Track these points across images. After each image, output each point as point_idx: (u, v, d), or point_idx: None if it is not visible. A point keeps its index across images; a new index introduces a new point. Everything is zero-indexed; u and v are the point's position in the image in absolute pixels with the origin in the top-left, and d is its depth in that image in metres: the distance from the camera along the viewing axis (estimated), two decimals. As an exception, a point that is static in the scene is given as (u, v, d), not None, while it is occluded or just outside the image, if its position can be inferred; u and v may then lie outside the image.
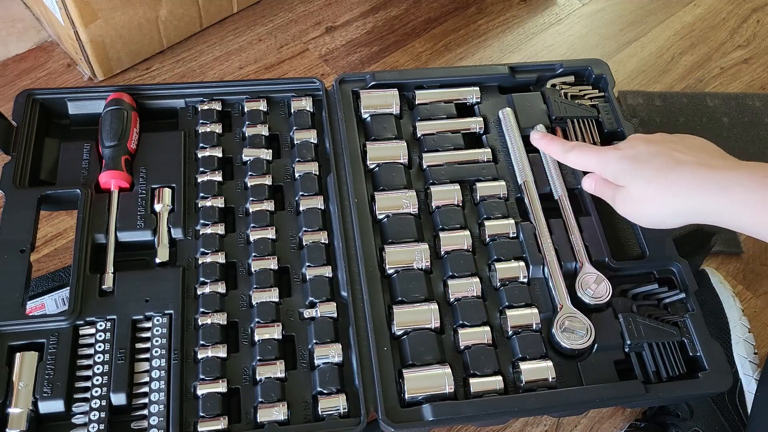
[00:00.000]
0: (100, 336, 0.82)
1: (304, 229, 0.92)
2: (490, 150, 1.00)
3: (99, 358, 0.81)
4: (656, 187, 0.80)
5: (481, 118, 1.03)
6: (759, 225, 0.75)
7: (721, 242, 1.29)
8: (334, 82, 1.02)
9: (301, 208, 0.93)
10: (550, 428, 1.08)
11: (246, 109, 1.00)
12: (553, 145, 0.93)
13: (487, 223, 0.93)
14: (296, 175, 0.96)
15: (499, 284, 0.89)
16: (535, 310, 0.87)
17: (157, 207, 0.91)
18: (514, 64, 1.07)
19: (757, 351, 1.07)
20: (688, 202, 0.79)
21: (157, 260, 0.89)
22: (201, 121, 0.99)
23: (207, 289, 0.87)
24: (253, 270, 0.89)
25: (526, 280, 0.90)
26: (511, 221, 0.94)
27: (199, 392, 0.80)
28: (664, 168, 0.80)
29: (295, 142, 0.99)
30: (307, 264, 0.90)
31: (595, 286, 0.88)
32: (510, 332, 0.86)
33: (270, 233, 0.91)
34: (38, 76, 1.41)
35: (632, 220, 0.85)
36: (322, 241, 0.91)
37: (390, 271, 0.89)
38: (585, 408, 0.89)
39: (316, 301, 0.87)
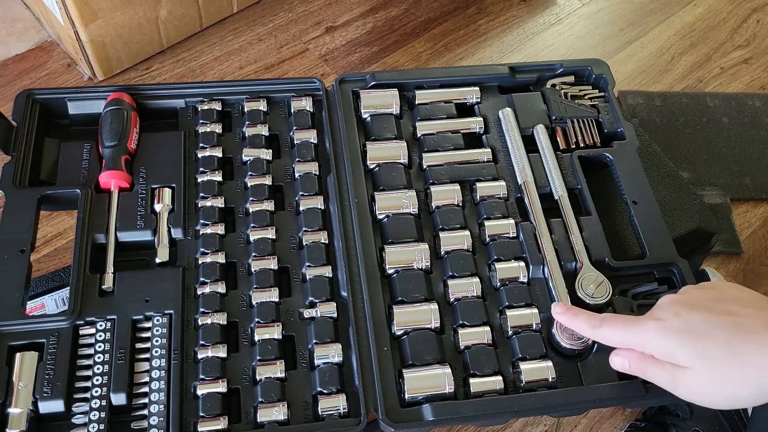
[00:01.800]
0: (100, 336, 0.82)
1: (304, 229, 0.92)
2: (490, 150, 1.00)
3: (99, 358, 0.81)
4: (732, 366, 0.68)
5: (481, 118, 1.03)
6: None
7: (721, 242, 1.29)
8: (334, 82, 1.02)
9: (301, 208, 0.93)
10: (550, 428, 1.08)
11: (246, 109, 1.00)
12: (579, 321, 0.80)
13: (487, 223, 0.93)
14: (296, 175, 0.96)
15: (499, 284, 0.89)
16: (535, 310, 0.87)
17: (157, 207, 0.91)
18: (514, 64, 1.07)
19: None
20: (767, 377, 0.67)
21: (157, 260, 0.89)
22: (201, 121, 0.99)
23: (207, 289, 0.86)
24: (253, 270, 0.89)
25: (526, 280, 0.90)
26: (511, 221, 0.93)
27: (199, 392, 0.80)
28: (734, 341, 0.68)
29: (295, 142, 0.99)
30: (307, 264, 0.90)
31: (595, 286, 0.88)
32: (510, 332, 0.86)
33: (270, 233, 0.91)
34: (38, 76, 1.41)
35: (701, 404, 0.73)
36: (322, 241, 0.91)
37: (390, 271, 0.89)
38: (585, 408, 0.89)
39: (316, 301, 0.87)
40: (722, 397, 0.70)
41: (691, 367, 0.70)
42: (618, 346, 0.78)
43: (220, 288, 0.87)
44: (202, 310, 0.85)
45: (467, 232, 0.93)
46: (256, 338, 0.84)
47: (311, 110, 1.01)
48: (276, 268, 0.89)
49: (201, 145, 0.97)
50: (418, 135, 1.01)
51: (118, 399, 0.79)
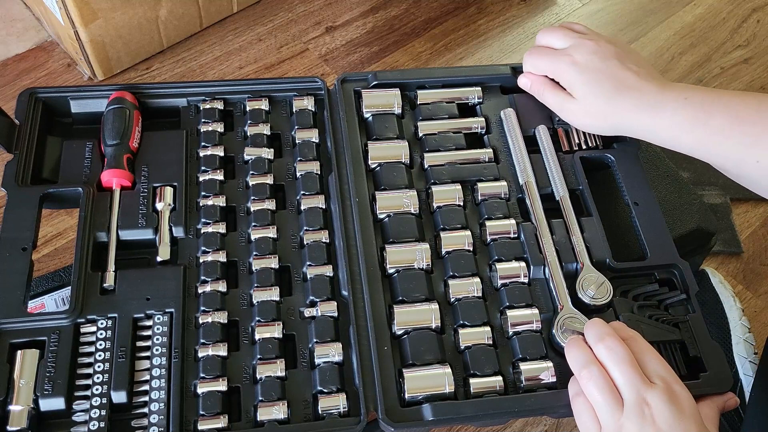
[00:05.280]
0: (101, 334, 0.82)
1: (305, 228, 0.92)
2: (491, 150, 1.00)
3: (100, 356, 0.81)
4: (604, 105, 0.92)
5: (483, 118, 1.03)
6: (672, 140, 0.90)
7: (721, 242, 1.30)
8: (336, 81, 1.02)
9: (302, 207, 0.93)
10: (550, 428, 1.08)
11: (248, 108, 1.00)
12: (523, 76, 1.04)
13: (488, 223, 0.93)
14: (297, 174, 0.96)
15: (499, 284, 0.89)
16: (536, 311, 0.87)
17: (159, 205, 0.91)
18: (516, 64, 1.07)
19: (757, 351, 1.07)
20: (626, 120, 0.92)
21: (159, 259, 0.89)
22: (203, 120, 0.99)
23: (208, 288, 0.86)
24: (254, 269, 0.89)
25: (526, 280, 0.90)
26: (512, 221, 0.94)
27: (200, 391, 0.80)
28: (614, 90, 0.92)
29: (297, 142, 0.99)
30: (308, 263, 0.90)
31: (596, 287, 0.88)
32: (510, 332, 0.86)
33: (271, 232, 0.91)
34: (38, 75, 1.41)
35: (575, 125, 0.98)
36: (323, 241, 0.91)
37: (391, 271, 0.89)
38: (585, 408, 0.89)
39: (317, 300, 0.87)
40: (590, 125, 0.96)
41: (578, 99, 0.95)
42: (541, 73, 1.00)
43: (221, 287, 0.87)
44: (202, 308, 0.85)
45: (468, 232, 0.93)
46: (257, 337, 0.84)
47: (313, 110, 1.01)
48: (277, 267, 0.89)
49: (203, 144, 0.97)
50: (420, 135, 1.01)
51: (119, 397, 0.79)
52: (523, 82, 1.02)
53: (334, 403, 0.81)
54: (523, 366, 0.83)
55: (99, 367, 0.80)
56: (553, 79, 0.99)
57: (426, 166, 0.98)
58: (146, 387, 0.80)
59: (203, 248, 0.89)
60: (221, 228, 0.91)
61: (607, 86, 0.92)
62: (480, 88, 1.04)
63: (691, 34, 1.64)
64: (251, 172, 0.95)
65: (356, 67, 1.50)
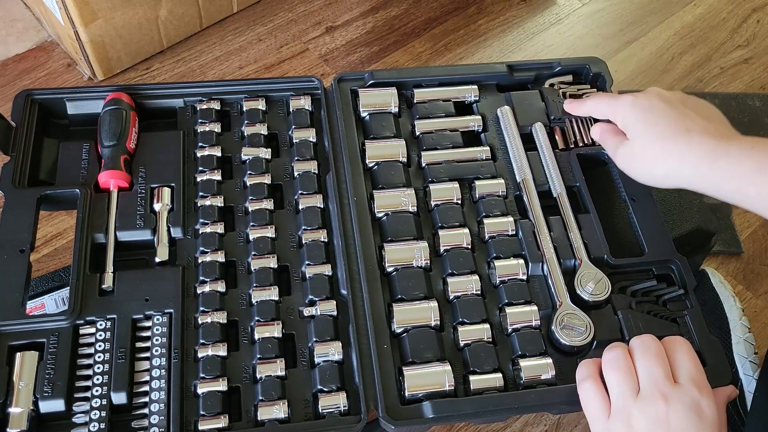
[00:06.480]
0: (101, 335, 0.82)
1: (303, 227, 0.92)
2: (488, 148, 1.00)
3: (99, 357, 0.81)
4: (657, 148, 0.85)
5: (480, 117, 1.03)
6: (735, 192, 0.81)
7: (721, 242, 1.30)
8: (332, 80, 1.02)
9: (300, 207, 0.93)
10: (550, 428, 1.08)
11: (245, 108, 1.00)
12: (571, 104, 1.01)
13: (486, 220, 0.93)
14: (295, 173, 0.96)
15: (498, 282, 0.89)
16: (535, 308, 0.87)
17: (157, 206, 0.91)
18: (512, 62, 1.07)
19: (758, 351, 1.07)
20: (681, 167, 0.83)
21: (157, 259, 0.89)
22: (200, 121, 0.99)
23: (207, 288, 0.86)
24: (252, 268, 0.89)
25: (525, 277, 0.90)
26: (510, 219, 0.93)
27: (200, 391, 0.80)
28: (671, 134, 0.84)
29: (294, 141, 0.99)
30: (307, 262, 0.90)
31: (594, 283, 0.88)
32: (509, 329, 0.86)
33: (269, 232, 0.91)
34: (38, 76, 1.41)
35: (628, 174, 0.90)
36: (322, 240, 0.91)
37: (389, 269, 0.89)
38: (585, 405, 0.89)
39: (316, 299, 0.87)
40: (643, 171, 0.88)
41: (632, 140, 0.88)
42: (601, 116, 0.96)
43: (220, 287, 0.87)
44: (202, 308, 0.85)
45: (466, 230, 0.93)
46: (256, 337, 0.84)
47: (310, 109, 1.01)
48: (275, 266, 0.89)
49: (200, 144, 0.97)
50: (417, 133, 1.01)
51: (119, 398, 0.79)
52: (594, 131, 0.97)
53: (335, 401, 0.81)
54: (523, 363, 0.83)
55: (99, 368, 0.80)
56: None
57: (423, 165, 0.98)
58: (146, 388, 0.80)
59: (202, 248, 0.89)
60: (219, 228, 0.91)
61: (662, 127, 0.85)
62: (476, 87, 1.05)
63: (691, 34, 1.64)
64: (249, 172, 0.95)
65: (356, 67, 1.50)
